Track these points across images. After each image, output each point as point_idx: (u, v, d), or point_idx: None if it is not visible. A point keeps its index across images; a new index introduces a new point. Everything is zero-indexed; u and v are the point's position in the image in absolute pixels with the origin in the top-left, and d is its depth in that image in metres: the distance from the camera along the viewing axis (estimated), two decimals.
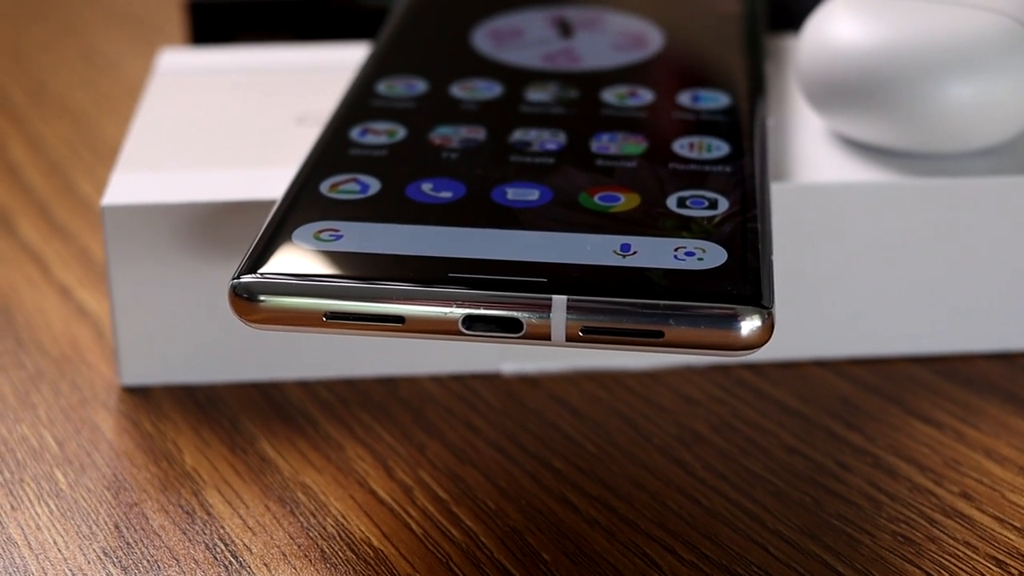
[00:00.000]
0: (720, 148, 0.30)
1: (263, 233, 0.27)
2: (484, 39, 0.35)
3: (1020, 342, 0.33)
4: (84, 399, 0.31)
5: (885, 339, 0.33)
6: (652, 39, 0.35)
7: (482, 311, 0.25)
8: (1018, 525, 0.27)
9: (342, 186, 0.28)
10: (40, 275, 0.37)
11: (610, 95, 0.32)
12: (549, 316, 0.25)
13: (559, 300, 0.25)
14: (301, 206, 0.27)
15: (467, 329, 0.25)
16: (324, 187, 0.28)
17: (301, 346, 0.32)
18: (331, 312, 0.25)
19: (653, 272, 0.25)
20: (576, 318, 0.24)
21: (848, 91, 0.32)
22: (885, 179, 0.32)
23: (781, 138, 0.34)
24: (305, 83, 0.37)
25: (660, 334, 0.24)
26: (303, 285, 0.25)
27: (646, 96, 0.32)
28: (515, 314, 0.25)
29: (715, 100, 0.32)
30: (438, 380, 0.32)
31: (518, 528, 0.27)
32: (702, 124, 0.31)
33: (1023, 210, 0.32)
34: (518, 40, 0.35)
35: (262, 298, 0.25)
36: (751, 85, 0.33)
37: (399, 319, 0.25)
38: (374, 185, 0.28)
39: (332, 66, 0.38)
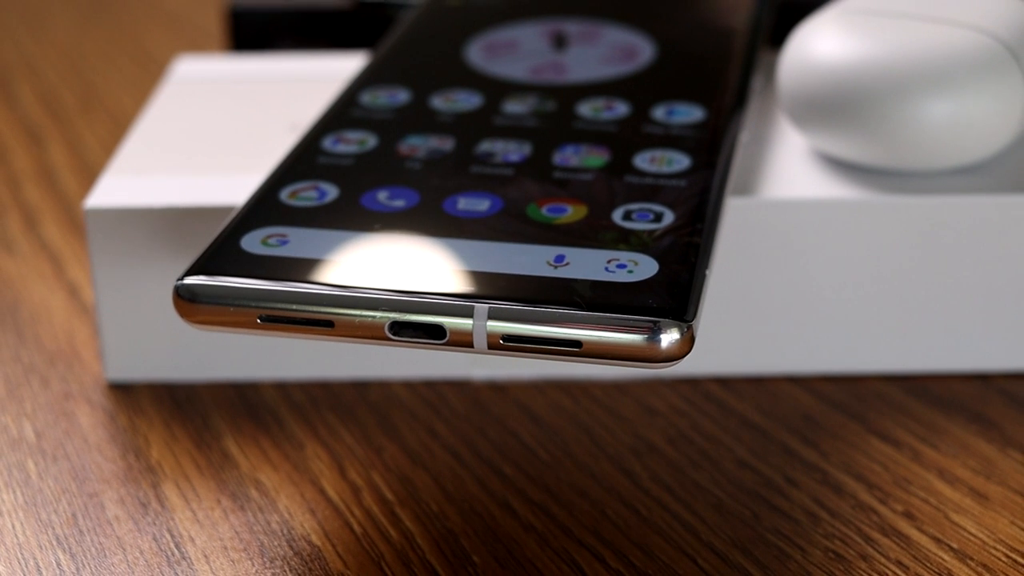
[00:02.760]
0: (680, 162, 0.30)
1: (216, 237, 0.28)
2: (478, 51, 0.36)
3: (996, 362, 0.33)
4: (69, 393, 0.33)
5: (859, 356, 0.33)
6: (643, 53, 0.35)
7: (407, 317, 0.25)
8: (955, 546, 0.27)
9: (301, 193, 0.29)
10: (53, 272, 0.38)
11: (586, 108, 0.33)
12: (471, 324, 0.25)
13: (481, 308, 0.25)
14: (257, 211, 0.28)
15: (394, 335, 0.25)
16: (284, 194, 0.29)
17: (278, 348, 0.33)
18: (264, 315, 0.26)
19: (580, 283, 0.26)
20: (497, 326, 0.25)
21: (825, 107, 0.32)
22: (854, 196, 0.32)
23: (762, 154, 0.34)
24: (309, 92, 0.38)
25: (579, 344, 0.25)
26: (238, 288, 0.26)
27: (621, 109, 0.32)
28: (439, 320, 0.25)
29: (688, 114, 0.32)
30: (410, 385, 0.33)
31: (455, 531, 0.28)
32: (670, 138, 0.31)
33: (999, 229, 0.32)
34: (511, 53, 0.36)
35: (200, 300, 0.26)
36: (731, 100, 0.33)
37: (328, 323, 0.26)
38: (332, 193, 0.29)
39: (340, 75, 0.39)
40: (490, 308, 0.25)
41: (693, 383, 0.33)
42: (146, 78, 0.53)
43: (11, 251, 0.40)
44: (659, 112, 0.32)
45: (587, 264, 0.26)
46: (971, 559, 0.27)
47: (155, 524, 0.28)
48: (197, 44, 0.56)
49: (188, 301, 0.26)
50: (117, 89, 0.52)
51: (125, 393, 0.33)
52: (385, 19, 0.47)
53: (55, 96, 0.51)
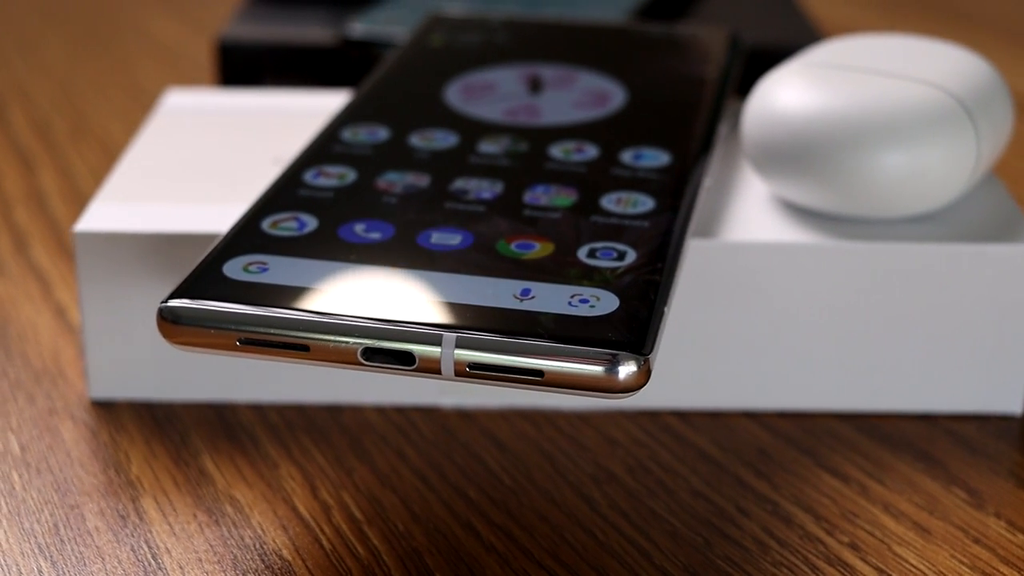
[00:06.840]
0: (645, 204, 0.32)
1: (200, 263, 0.29)
2: (456, 93, 0.37)
3: (943, 404, 0.34)
4: (54, 409, 0.34)
5: (812, 394, 0.34)
6: (615, 98, 0.37)
7: (379, 343, 0.27)
8: None
9: (282, 223, 0.30)
10: (41, 294, 0.40)
11: (557, 150, 0.34)
12: (440, 351, 0.26)
13: (449, 336, 0.26)
14: (240, 240, 0.30)
15: (366, 360, 0.27)
16: (266, 223, 0.30)
17: (256, 371, 0.34)
18: (243, 338, 0.27)
19: (544, 316, 0.27)
20: (464, 355, 0.26)
21: (784, 156, 0.34)
22: (810, 240, 0.33)
23: (725, 198, 0.35)
24: (292, 126, 0.39)
25: (541, 374, 0.26)
26: (218, 312, 0.27)
27: (591, 152, 0.34)
28: (409, 347, 0.27)
29: (654, 159, 0.34)
30: (382, 410, 0.34)
31: (420, 549, 0.29)
32: (636, 181, 0.33)
33: (949, 276, 0.33)
34: (488, 95, 0.37)
35: (182, 322, 0.27)
36: (697, 146, 0.34)
37: (304, 348, 0.27)
38: (311, 224, 0.30)
39: (324, 111, 0.40)
40: (458, 337, 0.26)
41: (653, 416, 0.34)
42: (136, 108, 0.54)
43: (1, 272, 0.41)
44: (627, 156, 0.34)
45: (552, 298, 0.28)
46: None
47: (133, 536, 0.29)
48: (188, 77, 0.57)
49: (171, 323, 0.27)
50: (107, 118, 0.53)
51: (108, 411, 0.34)
52: (370, 58, 0.49)
53: (47, 123, 0.53)
